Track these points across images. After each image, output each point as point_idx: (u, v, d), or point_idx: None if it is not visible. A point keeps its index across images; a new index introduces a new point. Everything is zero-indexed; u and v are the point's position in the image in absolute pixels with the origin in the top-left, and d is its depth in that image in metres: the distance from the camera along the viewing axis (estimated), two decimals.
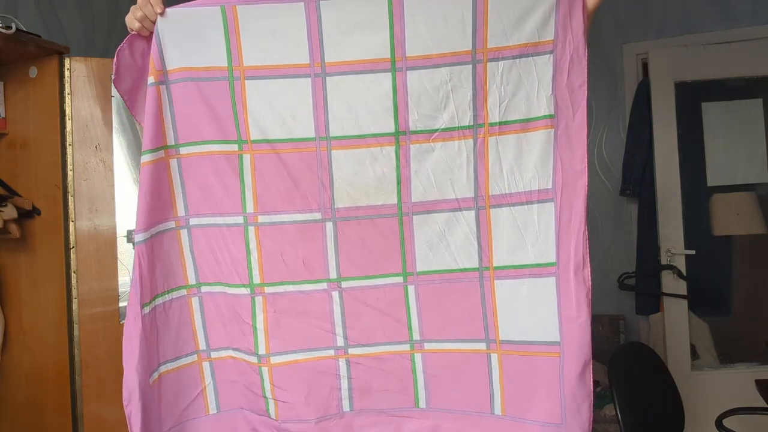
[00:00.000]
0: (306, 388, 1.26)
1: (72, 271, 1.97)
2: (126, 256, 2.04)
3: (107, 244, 2.00)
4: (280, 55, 1.21)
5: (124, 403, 1.21)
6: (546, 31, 1.17)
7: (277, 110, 1.23)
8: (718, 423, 2.02)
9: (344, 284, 1.25)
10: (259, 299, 1.25)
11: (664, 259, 3.16)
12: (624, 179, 3.39)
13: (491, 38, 1.17)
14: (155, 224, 1.26)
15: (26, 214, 1.95)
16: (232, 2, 1.20)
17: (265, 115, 1.23)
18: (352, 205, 1.23)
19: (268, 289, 1.26)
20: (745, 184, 3.30)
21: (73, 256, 1.97)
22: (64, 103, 1.99)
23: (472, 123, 1.21)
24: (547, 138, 1.19)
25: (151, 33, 1.24)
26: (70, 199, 1.98)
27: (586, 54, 1.18)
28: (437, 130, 1.21)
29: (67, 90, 1.99)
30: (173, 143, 1.26)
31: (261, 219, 1.25)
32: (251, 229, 1.25)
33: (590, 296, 1.19)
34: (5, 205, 1.88)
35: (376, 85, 1.20)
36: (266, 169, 1.24)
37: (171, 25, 1.23)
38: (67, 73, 1.99)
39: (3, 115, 2.01)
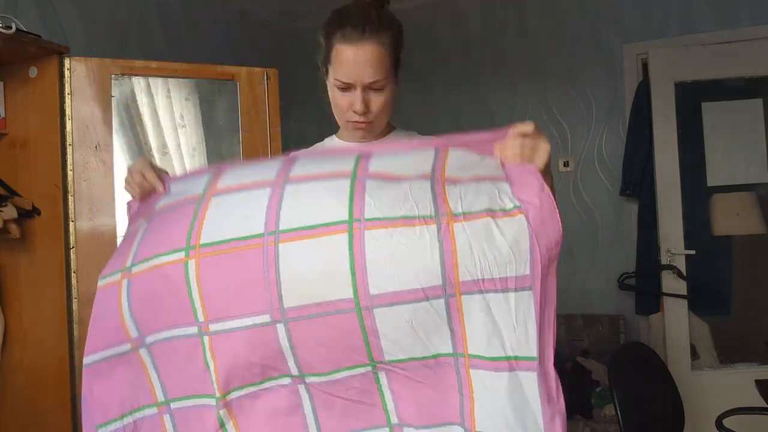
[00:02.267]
0: None
1: (72, 271, 1.97)
2: None
3: (107, 244, 2.00)
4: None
5: None
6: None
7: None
8: (718, 423, 2.02)
9: (308, 380, 1.13)
10: (223, 412, 1.15)
11: (664, 259, 3.16)
12: (624, 179, 3.39)
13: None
14: (107, 347, 1.21)
15: (26, 214, 1.95)
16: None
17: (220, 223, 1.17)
18: (303, 303, 1.09)
19: (231, 397, 1.15)
20: (745, 184, 3.31)
21: (73, 256, 1.97)
22: (64, 103, 1.99)
23: (433, 213, 1.09)
24: (520, 221, 1.07)
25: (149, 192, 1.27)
26: (70, 199, 1.98)
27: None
28: (397, 218, 1.08)
29: (67, 90, 1.99)
30: (129, 264, 1.21)
31: (212, 327, 1.13)
32: (206, 339, 1.14)
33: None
34: (5, 205, 1.88)
35: (333, 183, 1.13)
36: (209, 273, 1.13)
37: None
38: (67, 73, 1.99)
39: (3, 115, 2.01)
